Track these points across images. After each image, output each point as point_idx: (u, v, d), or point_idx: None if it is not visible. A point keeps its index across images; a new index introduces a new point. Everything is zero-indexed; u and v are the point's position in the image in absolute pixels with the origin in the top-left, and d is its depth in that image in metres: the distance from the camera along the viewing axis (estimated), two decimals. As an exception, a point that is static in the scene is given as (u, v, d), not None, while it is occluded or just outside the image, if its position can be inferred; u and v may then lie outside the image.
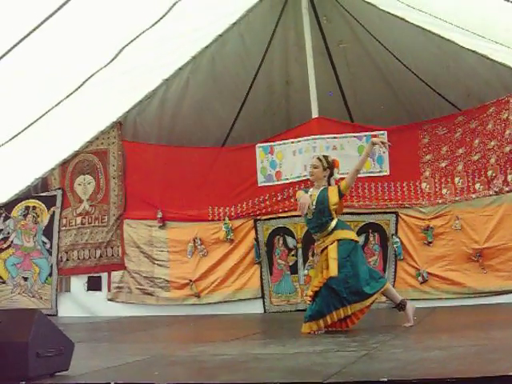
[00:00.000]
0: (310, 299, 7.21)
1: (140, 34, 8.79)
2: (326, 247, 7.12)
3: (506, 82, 9.56)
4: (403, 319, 7.18)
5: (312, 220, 7.27)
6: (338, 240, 7.10)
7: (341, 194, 7.25)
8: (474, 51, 9.45)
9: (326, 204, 7.17)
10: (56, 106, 9.53)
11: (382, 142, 7.53)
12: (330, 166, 7.36)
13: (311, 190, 7.40)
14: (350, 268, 7.01)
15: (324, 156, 7.58)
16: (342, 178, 7.45)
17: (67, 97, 9.46)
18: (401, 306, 7.20)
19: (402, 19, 9.55)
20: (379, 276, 7.47)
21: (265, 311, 10.23)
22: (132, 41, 8.86)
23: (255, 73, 11.07)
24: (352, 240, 7.21)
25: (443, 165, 9.73)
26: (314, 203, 7.19)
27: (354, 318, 7.15)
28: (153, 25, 8.68)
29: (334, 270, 6.95)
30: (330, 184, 7.36)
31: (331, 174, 7.39)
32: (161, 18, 8.60)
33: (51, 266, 11.20)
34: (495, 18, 7.97)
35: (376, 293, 7.10)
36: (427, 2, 8.64)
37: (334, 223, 7.17)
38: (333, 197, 7.20)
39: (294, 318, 8.79)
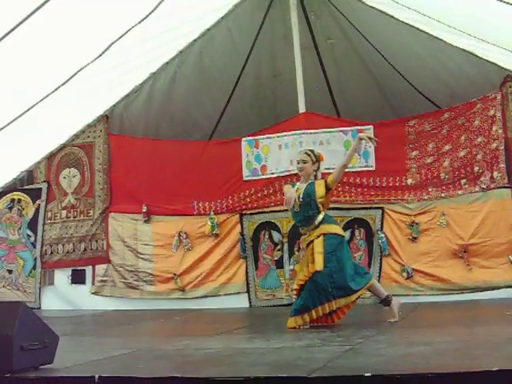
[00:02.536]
0: (295, 293, 7.22)
1: (129, 29, 8.77)
2: (312, 241, 7.13)
3: (493, 80, 9.59)
4: (388, 314, 7.20)
5: (299, 213, 7.26)
6: (324, 234, 7.11)
7: (327, 188, 7.26)
8: (461, 49, 9.47)
9: (312, 197, 7.17)
10: (43, 99, 9.49)
11: (369, 138, 7.55)
12: (318, 159, 7.39)
13: (298, 183, 7.41)
14: (336, 263, 7.01)
15: (310, 150, 7.61)
16: (327, 173, 7.47)
17: (55, 90, 9.42)
18: (386, 302, 7.22)
19: (391, 16, 9.56)
20: (365, 271, 7.50)
21: (250, 306, 10.23)
22: (121, 36, 8.83)
23: (242, 67, 11.07)
24: (338, 235, 7.21)
25: (429, 161, 9.75)
26: (301, 196, 7.19)
27: (339, 313, 7.15)
28: (142, 20, 8.65)
29: (319, 264, 6.95)
30: (316, 178, 7.38)
31: (317, 168, 7.42)
32: (150, 13, 8.58)
33: (35, 259, 11.17)
34: (483, 16, 7.98)
35: (361, 288, 7.10)
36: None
37: (321, 217, 7.17)
38: (319, 190, 7.20)
39: (279, 313, 8.80)
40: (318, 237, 7.10)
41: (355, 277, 7.11)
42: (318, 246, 7.05)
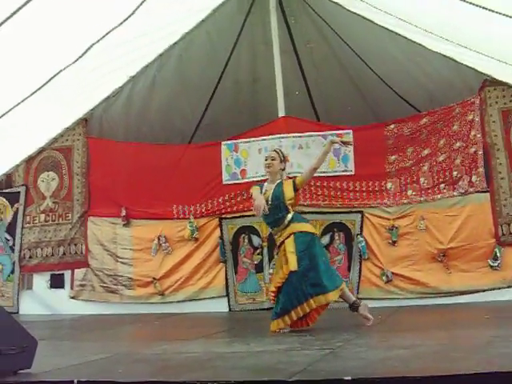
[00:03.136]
0: (273, 295, 7.22)
1: (109, 32, 8.72)
2: (284, 241, 7.14)
3: (471, 85, 9.64)
4: (363, 319, 7.19)
5: (269, 216, 7.30)
6: (294, 233, 7.12)
7: (295, 189, 7.31)
8: (439, 53, 9.50)
9: (281, 199, 7.23)
10: (22, 101, 9.42)
11: (343, 142, 7.60)
12: (284, 159, 7.48)
13: (266, 184, 7.46)
14: (308, 261, 7.00)
15: (278, 149, 7.77)
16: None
17: (33, 93, 9.36)
18: (354, 307, 7.21)
19: (370, 21, 9.58)
20: (336, 273, 7.55)
21: (230, 310, 10.19)
22: (101, 38, 8.78)
23: (222, 70, 11.06)
24: (309, 232, 7.22)
25: (408, 165, 9.77)
26: (270, 199, 7.23)
27: (312, 316, 7.15)
28: (122, 22, 8.61)
29: (293, 265, 6.96)
30: (282, 178, 7.43)
31: (283, 168, 7.49)
32: (129, 16, 8.54)
33: (13, 264, 11.10)
34: (460, 21, 8.00)
35: (336, 288, 7.07)
36: (394, 4, 8.67)
37: (290, 216, 7.22)
38: (288, 192, 7.27)
39: (258, 317, 8.81)
40: (289, 236, 7.13)
41: (329, 276, 7.11)
42: (290, 245, 7.08)
